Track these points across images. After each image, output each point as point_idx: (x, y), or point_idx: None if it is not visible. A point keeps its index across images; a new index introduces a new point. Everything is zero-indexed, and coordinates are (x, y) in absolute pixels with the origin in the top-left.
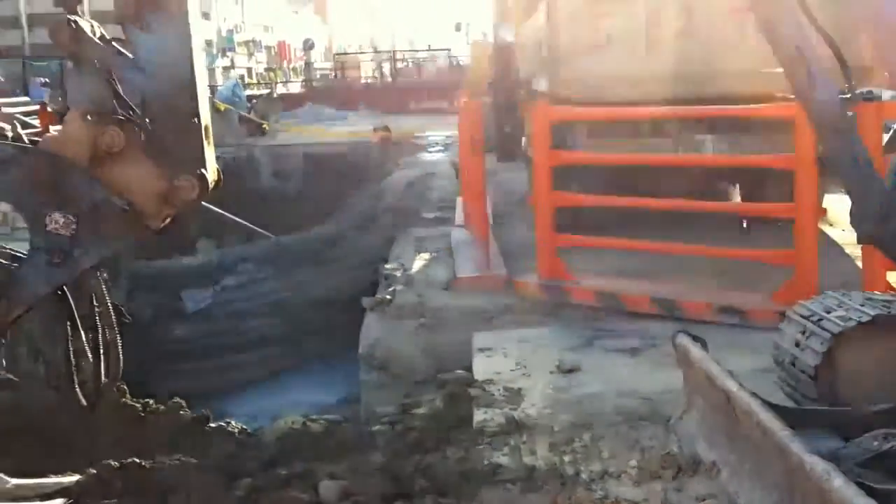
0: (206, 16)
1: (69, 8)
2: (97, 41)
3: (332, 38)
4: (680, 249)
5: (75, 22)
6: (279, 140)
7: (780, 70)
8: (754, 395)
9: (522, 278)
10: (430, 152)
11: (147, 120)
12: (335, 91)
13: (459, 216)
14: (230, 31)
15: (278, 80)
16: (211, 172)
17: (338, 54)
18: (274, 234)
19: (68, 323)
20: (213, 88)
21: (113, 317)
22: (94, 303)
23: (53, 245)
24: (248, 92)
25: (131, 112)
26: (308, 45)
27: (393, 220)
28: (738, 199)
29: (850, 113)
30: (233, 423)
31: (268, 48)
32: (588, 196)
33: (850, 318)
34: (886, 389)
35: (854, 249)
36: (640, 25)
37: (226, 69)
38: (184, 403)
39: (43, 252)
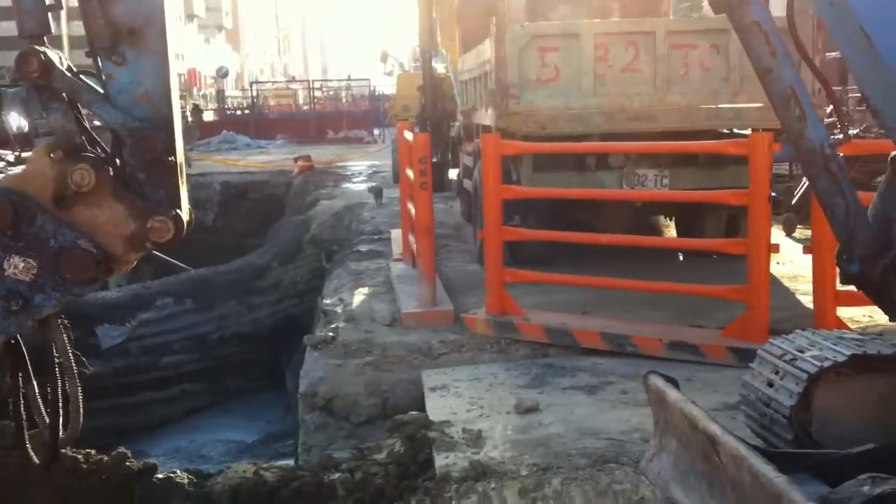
0: None
1: (37, 38)
2: (66, 73)
3: (243, 66)
4: (632, 285)
5: (44, 53)
6: (196, 169)
7: (724, 106)
8: (741, 439)
9: (470, 314)
10: (355, 182)
11: (118, 158)
12: (250, 119)
13: (396, 249)
14: None
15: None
16: (185, 213)
17: (254, 83)
18: (192, 267)
19: (20, 374)
20: None
21: (74, 367)
22: (55, 352)
23: (11, 291)
24: None
25: (100, 149)
26: (222, 73)
27: (319, 251)
28: (673, 233)
29: (840, 154)
30: (179, 472)
31: (179, 75)
32: (540, 231)
33: (826, 358)
34: (861, 432)
35: (793, 283)
36: (587, 61)
37: None
38: (128, 453)
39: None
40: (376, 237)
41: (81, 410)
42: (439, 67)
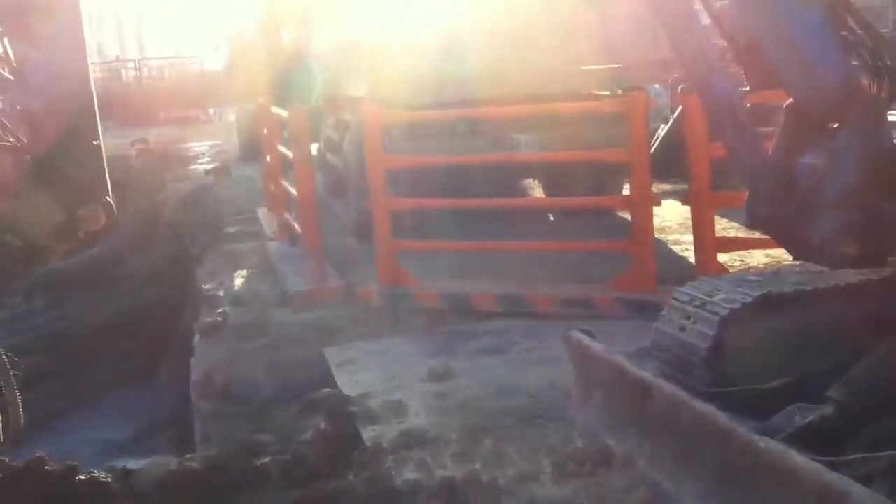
0: None
1: None
2: None
3: None
4: (523, 247)
5: None
6: None
7: (586, 68)
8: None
9: (364, 288)
10: (201, 163)
11: (37, 144)
12: None
13: (268, 228)
14: None
15: None
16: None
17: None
18: None
19: None
20: None
21: (10, 371)
22: None
23: None
24: None
25: (15, 138)
26: None
27: (176, 236)
28: (539, 194)
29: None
30: (97, 472)
31: None
32: (421, 199)
33: (735, 300)
34: (772, 367)
35: (661, 235)
36: (455, 27)
37: None
38: (46, 457)
39: None
40: (240, 216)
41: (22, 417)
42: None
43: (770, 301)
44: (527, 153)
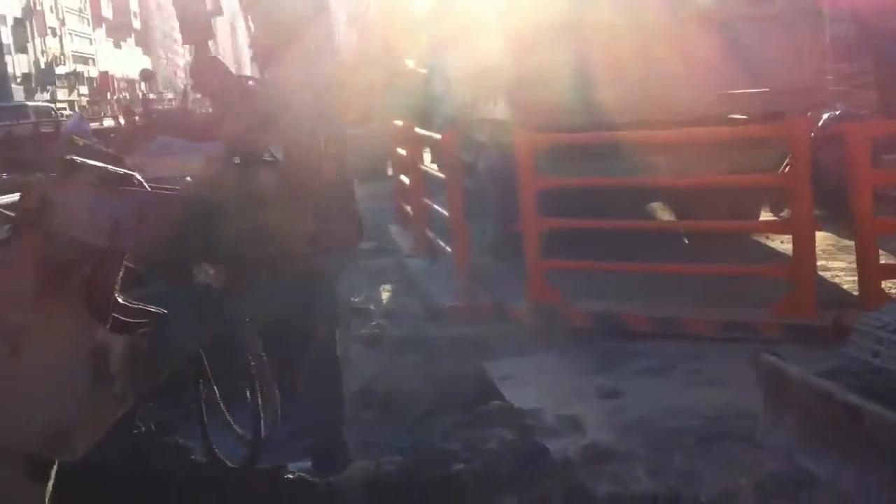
0: (22, 49)
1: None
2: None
3: (156, 69)
4: (678, 269)
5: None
6: (146, 175)
7: (734, 92)
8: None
9: (514, 305)
10: None
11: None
12: (179, 122)
13: (403, 245)
14: (49, 65)
15: (117, 114)
16: None
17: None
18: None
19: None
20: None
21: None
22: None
23: (203, 298)
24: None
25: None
26: (146, 76)
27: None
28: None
29: None
30: (301, 473)
31: (90, 80)
32: (575, 220)
33: None
34: None
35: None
36: (598, 51)
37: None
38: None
39: (190, 307)
40: (374, 235)
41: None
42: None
43: None
44: (666, 176)
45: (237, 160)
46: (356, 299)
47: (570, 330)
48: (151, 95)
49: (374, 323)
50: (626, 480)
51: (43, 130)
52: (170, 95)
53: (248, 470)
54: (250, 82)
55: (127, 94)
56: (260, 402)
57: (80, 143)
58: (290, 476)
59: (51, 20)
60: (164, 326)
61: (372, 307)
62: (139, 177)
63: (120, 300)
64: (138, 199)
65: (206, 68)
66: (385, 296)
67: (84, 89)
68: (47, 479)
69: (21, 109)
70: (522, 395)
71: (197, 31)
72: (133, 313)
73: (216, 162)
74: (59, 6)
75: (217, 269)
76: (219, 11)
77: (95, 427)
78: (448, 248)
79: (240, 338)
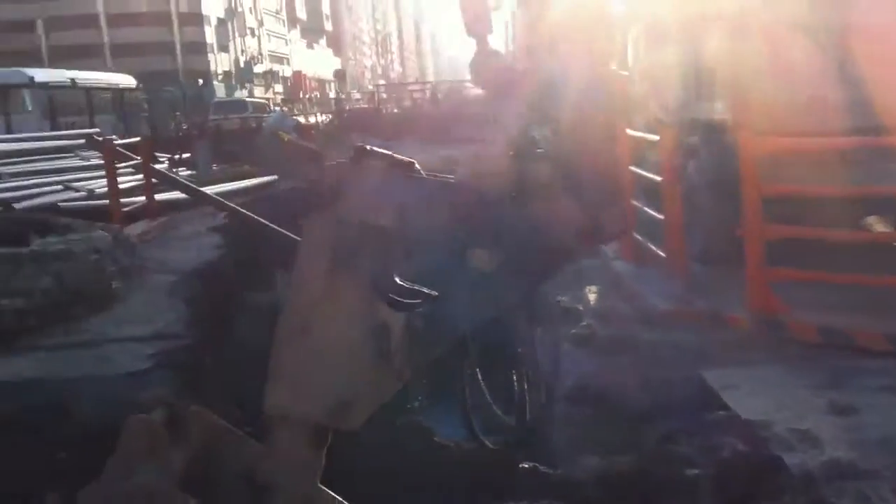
0: (224, 48)
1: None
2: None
3: (345, 69)
4: None
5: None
6: None
7: None
8: None
9: (733, 313)
10: None
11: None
12: (369, 121)
13: (613, 247)
14: (248, 63)
15: (309, 111)
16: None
17: (382, 84)
18: None
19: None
20: (258, 119)
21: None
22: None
23: (476, 282)
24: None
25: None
26: (340, 75)
27: None
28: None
29: None
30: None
31: (284, 79)
32: (805, 228)
33: None
34: None
35: None
36: (830, 52)
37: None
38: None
39: (465, 289)
40: None
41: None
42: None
43: None
44: None
45: (511, 152)
46: (563, 298)
47: (793, 342)
48: (342, 95)
49: (584, 323)
50: (873, 499)
51: (247, 125)
52: (357, 95)
53: (506, 454)
54: (526, 75)
55: (318, 94)
56: (526, 388)
57: (285, 138)
58: (525, 465)
59: (250, 21)
60: (439, 307)
61: (580, 307)
62: (418, 165)
63: (396, 280)
64: (423, 185)
65: (487, 62)
66: (592, 296)
67: (279, 87)
68: (324, 446)
69: (241, 104)
70: (750, 406)
71: (479, 24)
72: (407, 293)
73: (492, 153)
74: (258, 7)
75: (490, 256)
76: (498, 5)
77: (374, 400)
78: (660, 252)
79: (510, 323)
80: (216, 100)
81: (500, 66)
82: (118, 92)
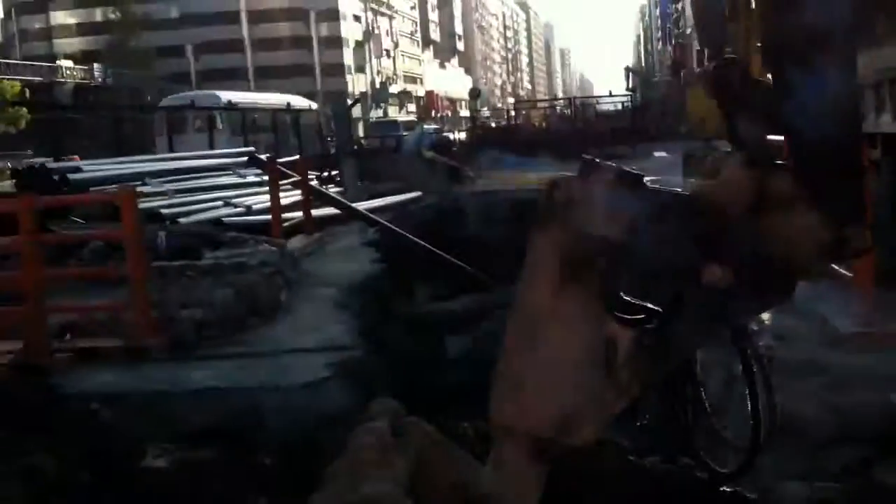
0: (360, 69)
1: (717, 48)
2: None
3: (478, 88)
4: None
5: (743, 63)
6: (481, 187)
7: None
8: None
9: None
10: None
11: (807, 166)
12: (503, 137)
13: None
14: (384, 84)
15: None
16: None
17: (518, 101)
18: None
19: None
20: (398, 138)
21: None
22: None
23: (709, 299)
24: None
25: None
26: (475, 94)
27: None
28: None
29: None
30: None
31: (417, 98)
32: None
33: None
34: None
35: None
36: None
37: (379, 119)
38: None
39: (696, 307)
40: None
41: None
42: None
43: None
44: None
45: (748, 163)
46: None
47: None
48: (477, 112)
49: (761, 343)
50: None
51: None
52: (486, 113)
53: (736, 478)
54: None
55: (449, 112)
56: (760, 407)
57: (428, 155)
58: (726, 489)
59: (386, 43)
60: (669, 324)
61: (755, 326)
62: (648, 178)
63: (621, 295)
64: (654, 198)
65: (723, 72)
66: (767, 315)
67: (412, 107)
68: (546, 463)
69: (394, 123)
70: None
71: (714, 34)
72: (632, 308)
73: (728, 165)
74: (394, 30)
75: (724, 272)
76: (734, 16)
77: (602, 416)
78: (843, 271)
79: (743, 341)
80: (374, 119)
81: (737, 76)
82: (294, 112)
